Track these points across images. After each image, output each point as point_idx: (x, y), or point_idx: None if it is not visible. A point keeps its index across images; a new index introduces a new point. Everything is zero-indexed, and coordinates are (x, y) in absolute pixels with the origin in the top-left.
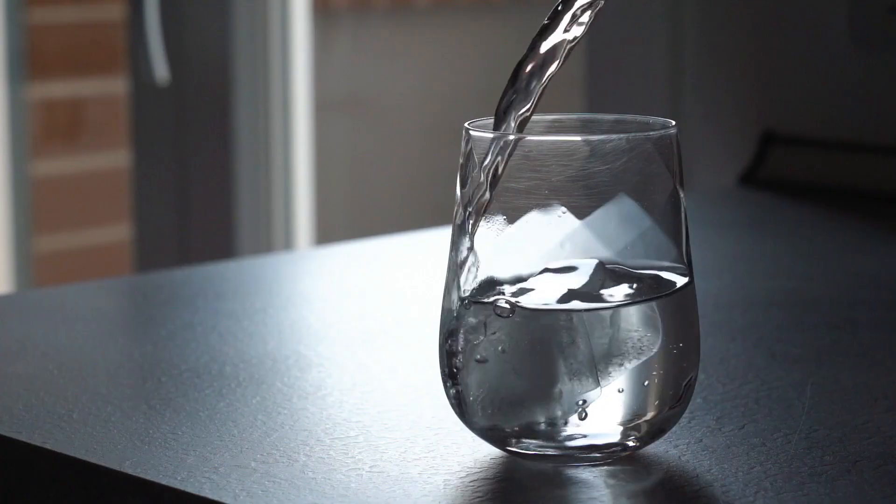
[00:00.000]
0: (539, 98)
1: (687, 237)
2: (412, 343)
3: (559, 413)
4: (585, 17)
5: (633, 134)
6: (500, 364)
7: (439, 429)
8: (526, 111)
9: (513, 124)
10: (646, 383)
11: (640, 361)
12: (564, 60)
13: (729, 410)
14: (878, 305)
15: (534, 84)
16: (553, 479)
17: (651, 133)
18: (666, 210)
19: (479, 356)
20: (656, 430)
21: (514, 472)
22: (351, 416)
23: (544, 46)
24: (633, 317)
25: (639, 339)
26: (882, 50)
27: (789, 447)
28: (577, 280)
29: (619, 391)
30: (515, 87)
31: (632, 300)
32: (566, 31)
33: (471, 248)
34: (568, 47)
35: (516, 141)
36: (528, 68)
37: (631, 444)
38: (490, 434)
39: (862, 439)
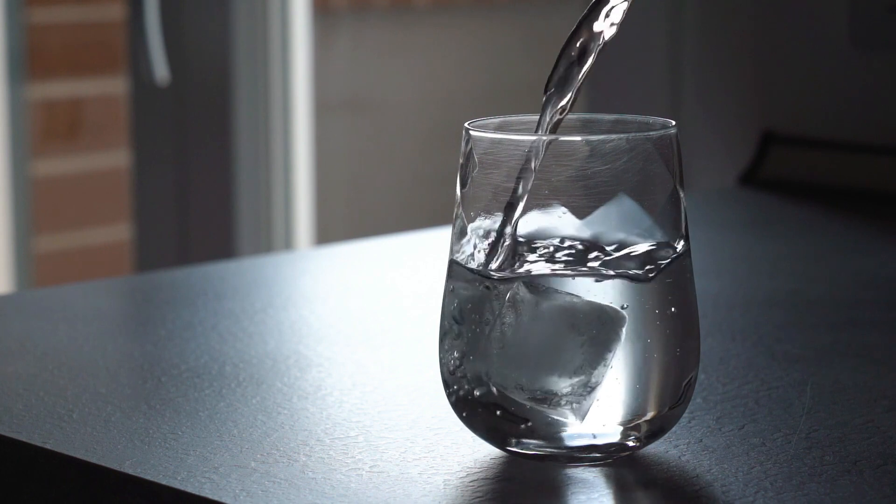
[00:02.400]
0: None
1: (687, 237)
2: (412, 343)
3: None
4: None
5: (633, 134)
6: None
7: (439, 429)
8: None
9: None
10: (646, 383)
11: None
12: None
13: (729, 410)
14: (878, 305)
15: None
16: (553, 479)
17: (651, 133)
18: (666, 210)
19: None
20: (656, 430)
21: (514, 472)
22: (351, 416)
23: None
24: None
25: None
26: (882, 50)
27: (789, 447)
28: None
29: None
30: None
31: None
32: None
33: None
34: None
35: (549, 141)
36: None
37: (631, 444)
38: (489, 433)
39: (862, 439)
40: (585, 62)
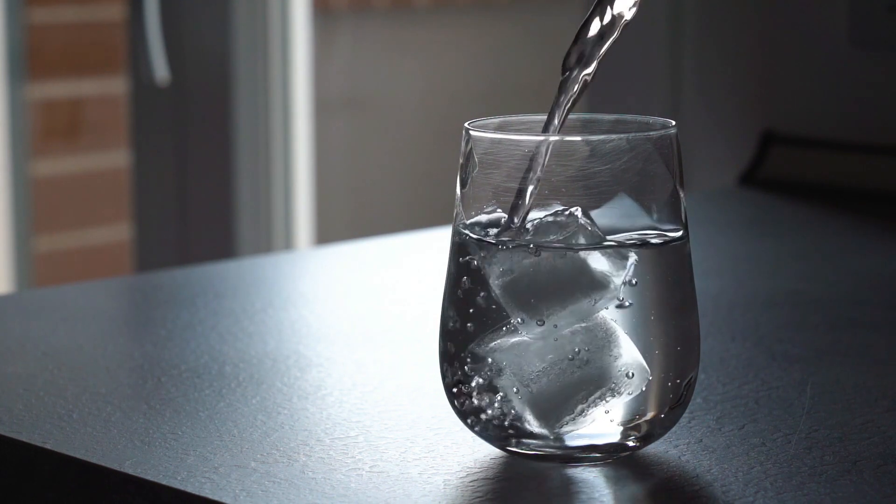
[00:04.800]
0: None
1: (687, 237)
2: (412, 343)
3: None
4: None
5: (633, 134)
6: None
7: (439, 429)
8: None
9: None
10: (646, 383)
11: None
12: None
13: (729, 410)
14: (878, 305)
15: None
16: (553, 479)
17: (651, 133)
18: (666, 210)
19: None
20: (656, 430)
21: (514, 472)
22: (351, 416)
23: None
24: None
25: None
26: (882, 50)
27: (789, 447)
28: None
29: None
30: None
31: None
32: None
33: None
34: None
35: (547, 145)
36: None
37: (631, 444)
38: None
39: (862, 439)
40: (609, 35)
